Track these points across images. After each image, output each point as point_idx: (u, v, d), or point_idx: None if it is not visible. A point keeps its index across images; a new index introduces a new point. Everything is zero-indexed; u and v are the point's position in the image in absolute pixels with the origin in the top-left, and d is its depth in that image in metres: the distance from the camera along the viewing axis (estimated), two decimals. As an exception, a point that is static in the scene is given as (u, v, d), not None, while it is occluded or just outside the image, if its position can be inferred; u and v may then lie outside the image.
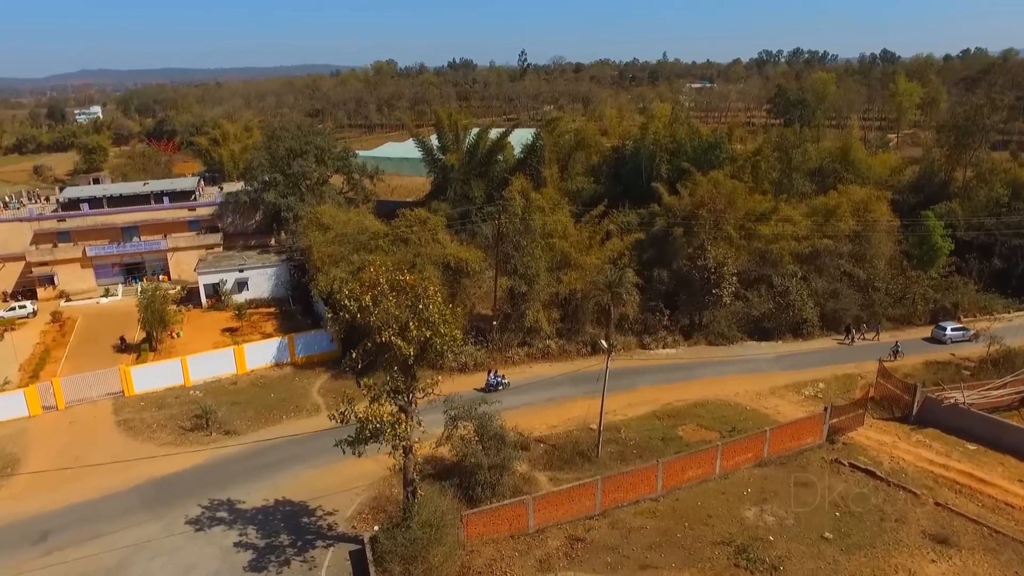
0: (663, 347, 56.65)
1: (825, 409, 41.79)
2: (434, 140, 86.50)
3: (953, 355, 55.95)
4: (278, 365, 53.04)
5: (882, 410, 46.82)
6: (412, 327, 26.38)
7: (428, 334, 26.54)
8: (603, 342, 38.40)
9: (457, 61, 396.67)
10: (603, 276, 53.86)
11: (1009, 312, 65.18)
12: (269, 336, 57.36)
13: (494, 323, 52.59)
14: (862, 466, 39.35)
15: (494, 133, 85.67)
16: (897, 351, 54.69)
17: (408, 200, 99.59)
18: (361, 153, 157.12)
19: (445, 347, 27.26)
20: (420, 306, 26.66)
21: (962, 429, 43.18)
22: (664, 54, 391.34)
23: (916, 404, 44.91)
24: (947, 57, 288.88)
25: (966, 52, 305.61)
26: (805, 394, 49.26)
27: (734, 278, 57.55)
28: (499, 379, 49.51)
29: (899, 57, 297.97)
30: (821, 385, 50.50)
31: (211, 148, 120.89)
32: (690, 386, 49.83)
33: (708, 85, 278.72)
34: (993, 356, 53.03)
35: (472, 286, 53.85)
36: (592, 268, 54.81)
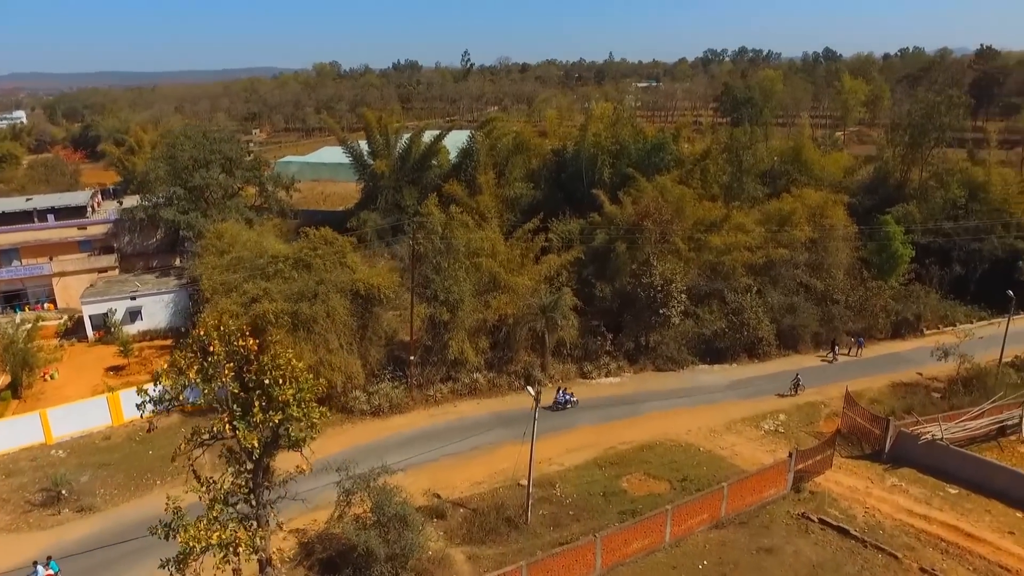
0: (606, 375, 50.74)
1: (790, 455, 36.24)
2: (364, 145, 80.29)
3: (920, 374, 51.30)
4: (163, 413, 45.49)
5: (850, 445, 41.62)
6: (257, 411, 19.78)
7: (278, 418, 19.99)
8: (530, 389, 32.16)
9: (402, 62, 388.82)
10: (537, 299, 48.05)
11: (972, 322, 60.97)
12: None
13: (411, 358, 45.91)
14: (833, 523, 33.88)
15: (428, 136, 79.72)
16: (798, 384, 48.14)
17: (338, 210, 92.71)
18: (296, 159, 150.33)
19: (301, 436, 20.73)
20: (267, 380, 20.03)
21: (941, 469, 38.13)
22: (611, 54, 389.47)
23: (889, 440, 39.77)
24: (887, 56, 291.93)
25: (904, 51, 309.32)
26: (764, 429, 43.78)
27: (683, 296, 52.05)
28: (568, 397, 45.75)
29: (840, 56, 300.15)
30: (782, 417, 45.13)
31: (124, 157, 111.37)
32: (636, 423, 43.99)
33: (654, 84, 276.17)
34: (964, 376, 48.53)
35: (386, 313, 47.29)
36: (525, 290, 48.66)
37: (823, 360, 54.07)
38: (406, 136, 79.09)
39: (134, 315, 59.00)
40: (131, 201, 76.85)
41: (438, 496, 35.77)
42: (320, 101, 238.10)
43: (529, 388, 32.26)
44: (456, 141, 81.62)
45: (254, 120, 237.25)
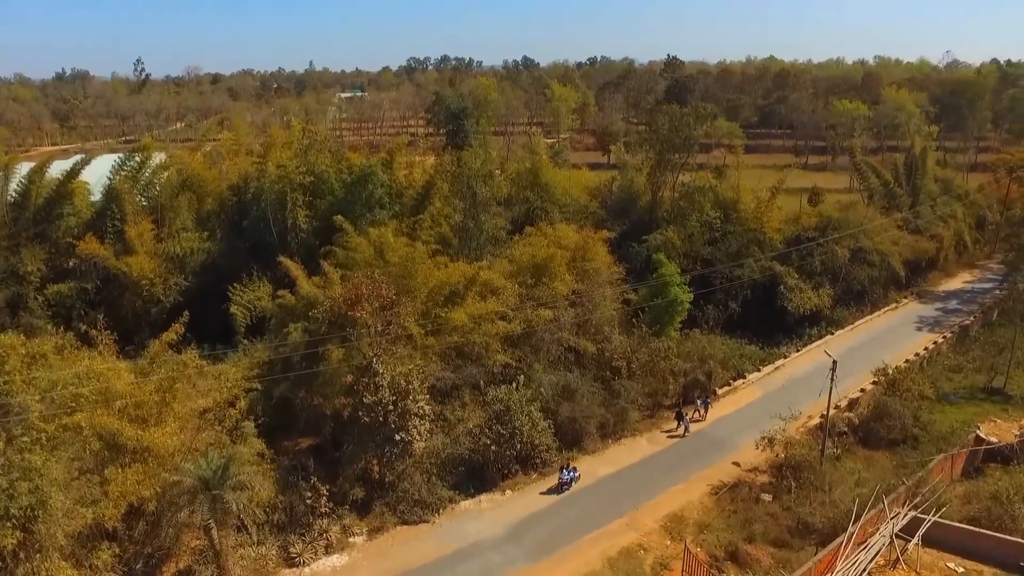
0: (326, 551, 32.50)
1: None
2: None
3: (738, 465, 40.05)
4: None
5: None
6: None
7: None
8: None
9: (68, 72, 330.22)
10: (195, 467, 28.71)
11: (759, 368, 52.30)
12: None
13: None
14: None
15: (56, 170, 55.81)
16: None
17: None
18: None
19: None
20: None
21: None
22: (311, 62, 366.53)
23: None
24: (580, 64, 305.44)
25: (593, 60, 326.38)
26: (576, 624, 28.90)
27: (427, 407, 35.70)
28: (571, 473, 37.50)
29: (539, 64, 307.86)
30: (593, 589, 30.57)
31: None
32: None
33: (360, 94, 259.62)
34: (789, 463, 38.00)
35: None
36: (175, 450, 28.91)
37: (671, 436, 42.78)
38: (26, 170, 54.92)
39: None
40: None
41: None
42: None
43: None
44: (103, 175, 58.40)
45: None
